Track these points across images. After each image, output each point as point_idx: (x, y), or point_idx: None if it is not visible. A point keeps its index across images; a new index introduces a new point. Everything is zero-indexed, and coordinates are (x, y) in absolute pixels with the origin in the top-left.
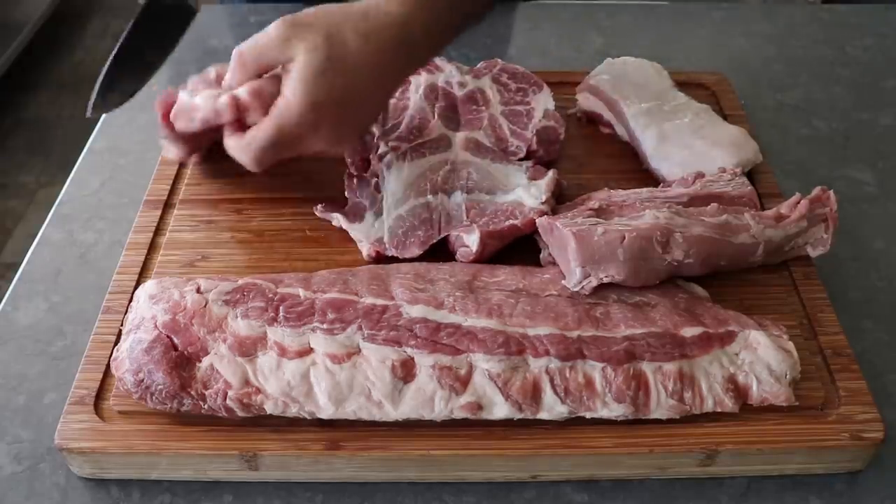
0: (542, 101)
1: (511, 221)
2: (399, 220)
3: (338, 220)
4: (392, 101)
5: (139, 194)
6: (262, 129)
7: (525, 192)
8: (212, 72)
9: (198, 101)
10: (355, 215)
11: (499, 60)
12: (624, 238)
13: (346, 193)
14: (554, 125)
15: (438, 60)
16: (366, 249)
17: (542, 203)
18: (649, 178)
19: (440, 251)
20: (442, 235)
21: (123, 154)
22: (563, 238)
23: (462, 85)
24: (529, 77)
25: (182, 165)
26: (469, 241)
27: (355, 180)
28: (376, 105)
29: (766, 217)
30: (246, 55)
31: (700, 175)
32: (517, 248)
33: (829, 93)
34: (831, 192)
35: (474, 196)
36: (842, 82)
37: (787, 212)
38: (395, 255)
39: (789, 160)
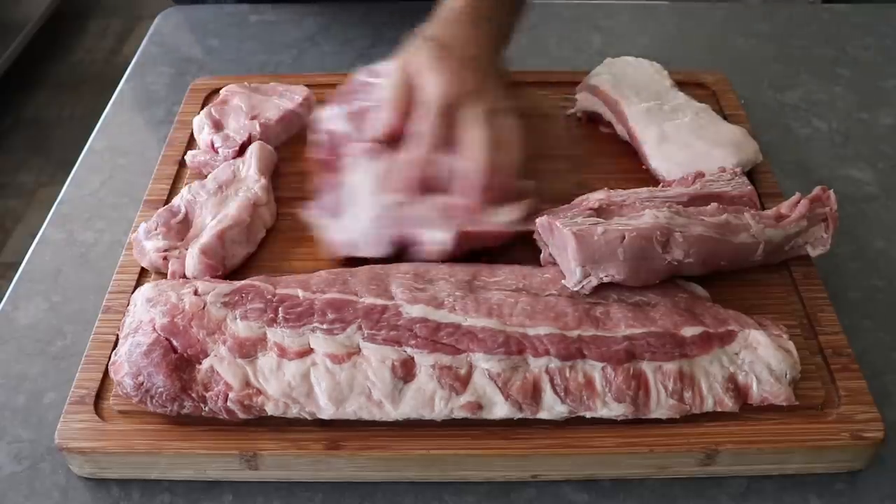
0: None
1: (482, 227)
2: (371, 220)
3: (309, 216)
4: (363, 104)
5: (139, 194)
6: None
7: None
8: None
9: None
10: (333, 212)
11: None
12: (624, 238)
13: (315, 192)
14: None
15: None
16: (336, 249)
17: (514, 222)
18: (649, 178)
19: (407, 251)
20: (410, 234)
21: (123, 154)
22: (563, 238)
23: None
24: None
25: (182, 165)
26: (440, 240)
27: (330, 177)
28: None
29: (766, 217)
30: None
31: (700, 175)
32: (517, 247)
33: (829, 93)
34: (831, 191)
35: (444, 196)
36: (842, 82)
37: (787, 211)
38: (366, 254)
39: (789, 160)
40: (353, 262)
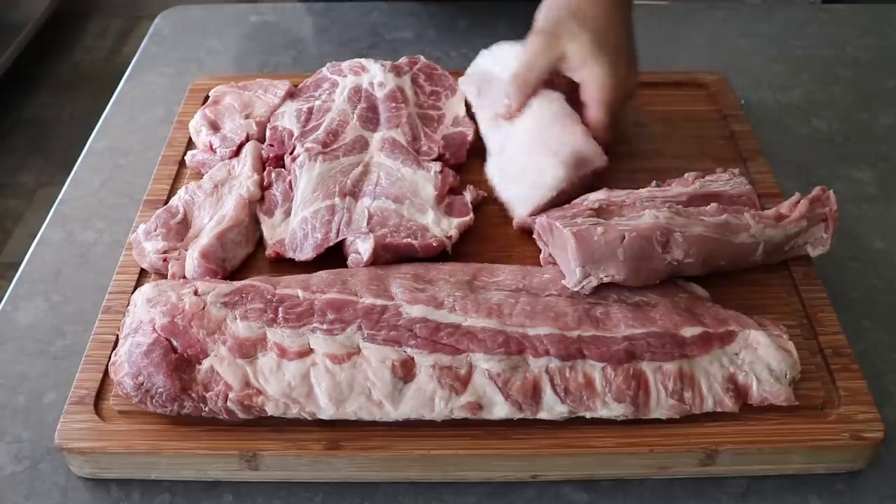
0: (454, 107)
1: (409, 240)
2: (302, 222)
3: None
4: (318, 103)
5: (139, 194)
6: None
7: (435, 221)
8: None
9: None
10: (268, 211)
11: (420, 57)
12: (624, 238)
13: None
14: (462, 131)
15: (364, 61)
16: (267, 249)
17: (447, 237)
18: (649, 179)
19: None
20: (338, 239)
21: (123, 154)
22: (563, 238)
23: (382, 85)
24: (445, 79)
25: (182, 165)
26: (362, 248)
27: (273, 174)
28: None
29: (766, 217)
30: (520, 74)
31: (700, 174)
32: (517, 248)
33: (829, 93)
34: (831, 191)
35: (380, 203)
36: (842, 82)
37: (786, 211)
38: (292, 256)
39: (789, 160)
40: (283, 263)
